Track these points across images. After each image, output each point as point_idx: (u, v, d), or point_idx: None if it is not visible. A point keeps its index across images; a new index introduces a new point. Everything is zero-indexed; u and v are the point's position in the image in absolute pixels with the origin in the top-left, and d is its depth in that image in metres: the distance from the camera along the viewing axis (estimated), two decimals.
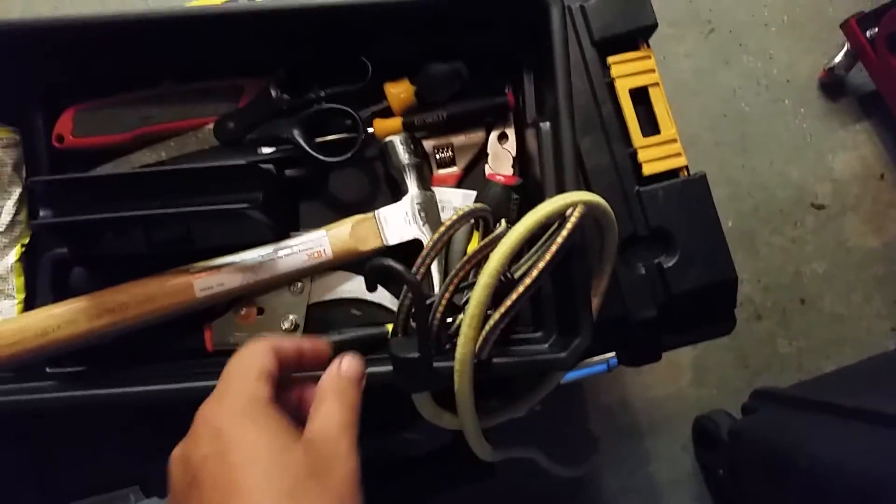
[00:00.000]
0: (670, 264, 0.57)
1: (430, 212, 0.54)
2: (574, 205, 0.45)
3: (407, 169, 0.54)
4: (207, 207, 0.49)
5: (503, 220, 0.51)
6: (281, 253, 0.53)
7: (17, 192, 0.56)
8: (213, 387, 0.51)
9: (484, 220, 0.50)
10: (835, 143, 1.28)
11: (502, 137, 0.57)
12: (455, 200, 0.55)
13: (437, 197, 0.55)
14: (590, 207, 0.46)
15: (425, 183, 0.55)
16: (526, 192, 0.55)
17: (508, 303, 0.44)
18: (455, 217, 0.47)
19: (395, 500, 0.62)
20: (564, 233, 0.43)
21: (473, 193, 0.55)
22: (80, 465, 0.58)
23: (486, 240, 0.48)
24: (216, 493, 0.32)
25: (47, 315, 0.51)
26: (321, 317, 0.55)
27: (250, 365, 0.37)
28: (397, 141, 0.54)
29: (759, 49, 1.30)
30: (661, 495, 1.16)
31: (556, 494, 1.12)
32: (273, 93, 0.55)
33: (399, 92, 0.55)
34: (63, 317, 0.51)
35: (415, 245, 0.54)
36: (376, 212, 0.54)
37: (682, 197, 0.58)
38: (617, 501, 1.15)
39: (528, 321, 0.56)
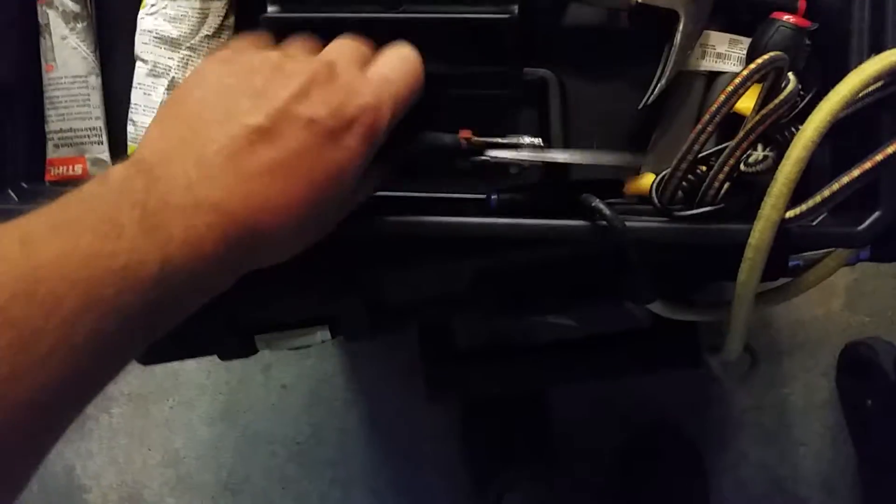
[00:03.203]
0: None
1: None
2: None
3: None
4: (455, 15, 0.43)
5: (791, 74, 0.43)
6: None
7: None
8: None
9: (776, 73, 0.42)
10: None
11: None
12: (720, 46, 0.48)
13: (698, 41, 0.47)
14: None
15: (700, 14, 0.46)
16: (816, 40, 0.47)
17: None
18: (752, 67, 0.40)
19: (586, 375, 0.59)
20: None
21: (746, 40, 0.47)
22: (267, 300, 0.55)
23: (780, 99, 0.41)
24: None
25: None
26: None
27: None
28: None
29: None
30: (792, 418, 1.10)
31: (685, 402, 1.08)
32: None
33: None
34: None
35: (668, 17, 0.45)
36: None
37: None
38: (746, 418, 1.10)
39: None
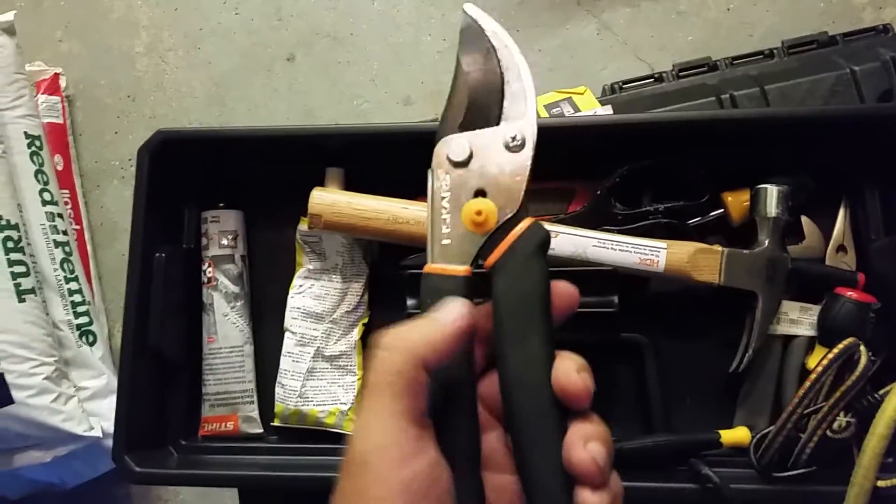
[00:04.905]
0: None
1: (777, 273, 0.53)
2: None
3: (771, 222, 0.53)
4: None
5: (862, 348, 0.49)
6: (615, 244, 0.53)
7: (365, 275, 0.60)
8: None
9: (851, 352, 0.49)
10: None
11: (840, 250, 0.56)
12: (792, 313, 0.55)
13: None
14: None
15: (782, 244, 0.54)
16: (878, 311, 0.54)
17: None
18: (831, 356, 0.47)
19: None
20: None
21: (815, 307, 0.54)
22: None
23: (856, 376, 0.47)
24: None
25: (358, 198, 0.56)
26: None
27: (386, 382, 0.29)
28: (774, 190, 0.54)
29: None
30: None
31: None
32: (609, 201, 0.57)
33: (741, 202, 0.56)
34: (364, 205, 0.56)
35: (748, 295, 0.53)
36: (723, 249, 0.53)
37: None
38: None
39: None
